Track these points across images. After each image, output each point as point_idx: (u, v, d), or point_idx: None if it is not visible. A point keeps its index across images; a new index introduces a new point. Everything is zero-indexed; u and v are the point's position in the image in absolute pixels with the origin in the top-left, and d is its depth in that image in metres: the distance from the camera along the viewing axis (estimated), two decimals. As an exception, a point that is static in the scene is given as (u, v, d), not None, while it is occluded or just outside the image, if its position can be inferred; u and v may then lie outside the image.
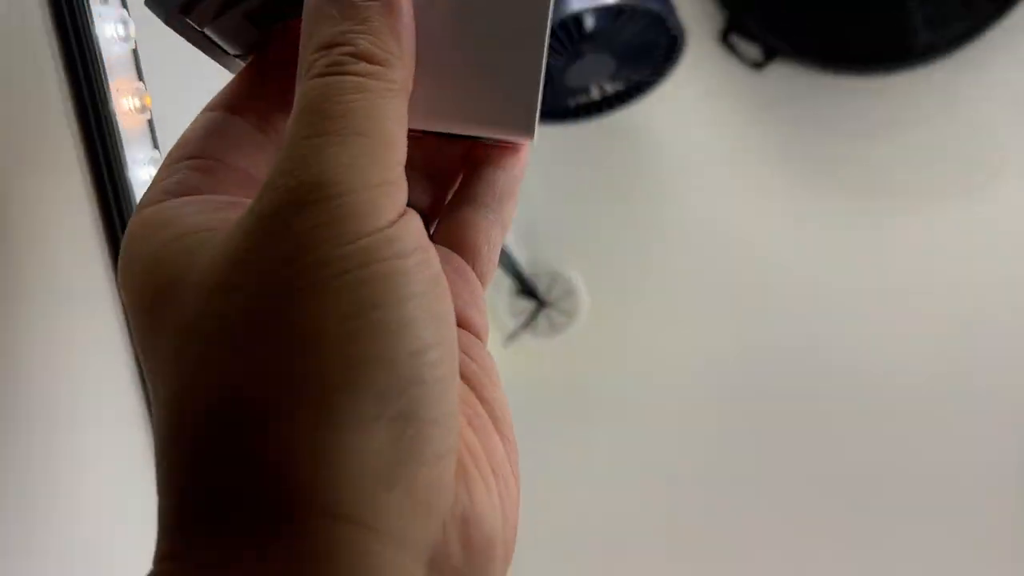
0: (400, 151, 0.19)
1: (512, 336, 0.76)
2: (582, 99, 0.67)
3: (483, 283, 0.24)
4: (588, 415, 0.79)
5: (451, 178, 0.25)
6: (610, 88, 0.67)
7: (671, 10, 0.61)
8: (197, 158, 0.21)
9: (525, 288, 0.78)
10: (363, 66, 0.19)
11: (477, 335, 0.23)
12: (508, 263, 0.76)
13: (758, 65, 0.71)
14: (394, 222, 0.18)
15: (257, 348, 0.18)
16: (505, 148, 0.25)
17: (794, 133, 0.74)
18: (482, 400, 0.22)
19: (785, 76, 0.72)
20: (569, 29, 0.59)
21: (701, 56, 0.71)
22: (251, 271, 0.18)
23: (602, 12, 0.58)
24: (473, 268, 0.24)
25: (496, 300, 0.79)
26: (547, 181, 0.76)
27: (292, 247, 0.18)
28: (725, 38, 0.71)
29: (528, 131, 0.22)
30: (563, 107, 0.67)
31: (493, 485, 0.20)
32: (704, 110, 0.73)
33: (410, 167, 0.24)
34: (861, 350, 0.76)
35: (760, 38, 0.69)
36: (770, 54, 0.70)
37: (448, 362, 0.19)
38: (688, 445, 0.78)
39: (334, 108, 0.19)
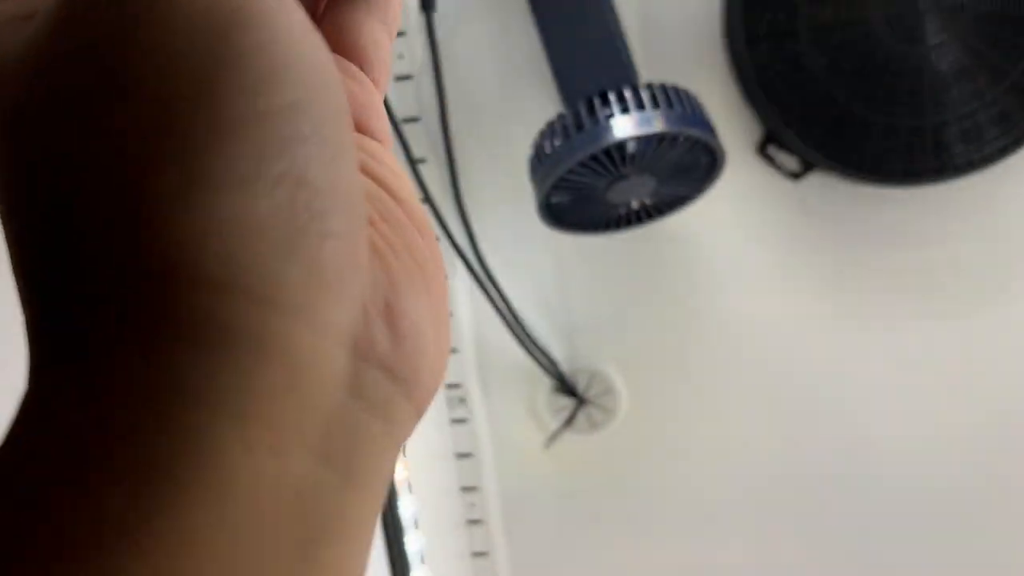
0: None
1: (553, 437, 0.77)
2: (622, 211, 0.69)
3: (379, 89, 0.22)
4: (627, 512, 0.80)
5: None
6: (650, 201, 0.69)
7: (713, 133, 0.63)
8: None
9: (564, 386, 0.79)
10: None
11: (381, 140, 0.22)
12: (547, 361, 0.77)
13: (796, 175, 0.73)
14: None
15: (100, 118, 0.15)
16: None
17: (831, 240, 0.75)
18: (397, 200, 0.20)
19: (822, 185, 0.73)
20: (612, 155, 0.61)
21: (739, 165, 0.73)
22: (70, 38, 0.15)
23: (646, 139, 0.60)
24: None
25: (535, 397, 0.80)
26: (586, 281, 0.78)
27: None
28: (763, 149, 0.72)
29: None
30: (603, 220, 0.69)
31: (417, 277, 0.19)
32: (742, 217, 0.75)
33: None
34: (899, 449, 0.76)
35: (797, 151, 0.70)
36: (807, 166, 0.72)
37: (335, 124, 0.17)
38: (729, 543, 0.79)
39: None
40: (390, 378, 0.17)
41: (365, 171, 0.20)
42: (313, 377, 0.16)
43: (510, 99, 0.74)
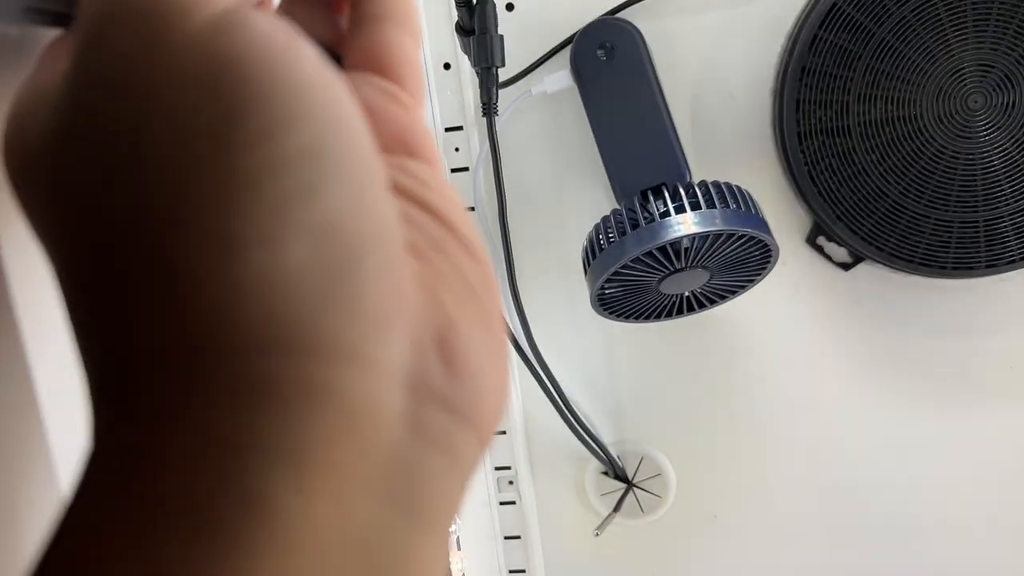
0: None
1: (603, 525, 0.77)
2: (674, 300, 0.70)
3: (418, 104, 0.22)
4: (675, 598, 0.80)
5: (344, 3, 0.23)
6: (702, 291, 0.69)
7: (767, 230, 0.64)
8: None
9: (613, 469, 0.79)
10: None
11: (427, 160, 0.21)
12: (596, 444, 0.78)
13: (846, 266, 0.73)
14: (229, 9, 0.16)
15: (120, 191, 0.15)
16: None
17: (882, 328, 0.75)
18: (447, 225, 0.19)
19: (873, 276, 0.74)
20: (667, 251, 0.62)
21: (789, 254, 0.73)
22: (74, 111, 0.16)
23: (699, 237, 0.61)
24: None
25: (584, 480, 0.80)
26: (635, 364, 0.79)
27: (118, 55, 0.15)
28: (813, 240, 0.73)
29: None
30: (655, 309, 0.70)
31: (471, 305, 0.18)
32: (792, 305, 0.75)
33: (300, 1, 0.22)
34: (949, 536, 0.75)
35: (848, 243, 0.71)
36: (858, 257, 0.73)
37: (356, 159, 0.16)
38: (776, 633, 0.78)
39: None
40: (450, 412, 0.17)
41: (410, 196, 0.19)
42: (368, 419, 0.15)
43: (563, 189, 0.76)
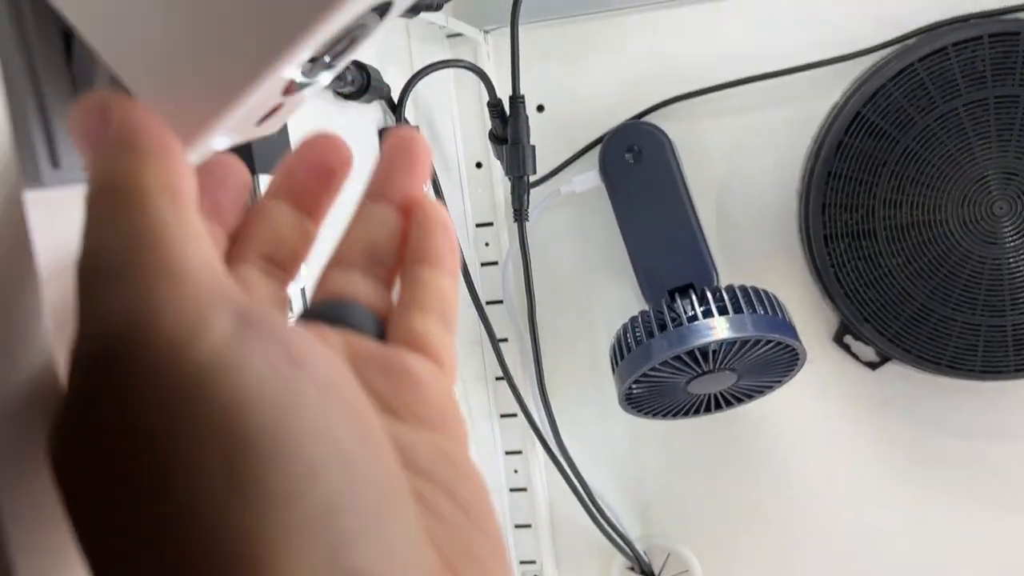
0: (191, 253, 0.17)
1: (628, 624, 0.76)
2: (702, 399, 0.70)
3: (450, 379, 0.23)
4: None
5: (392, 272, 0.25)
6: (729, 391, 0.70)
7: (795, 335, 0.64)
8: None
9: (639, 564, 0.79)
10: None
11: (454, 436, 0.21)
12: (622, 539, 0.77)
13: (873, 365, 0.74)
14: (228, 332, 0.16)
15: (139, 526, 0.15)
16: (440, 244, 0.25)
17: (908, 428, 0.75)
18: (461, 506, 0.19)
19: (899, 375, 0.74)
20: (695, 355, 0.63)
21: (816, 353, 0.74)
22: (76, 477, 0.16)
23: (727, 342, 0.62)
24: None
25: (610, 575, 0.80)
26: (661, 459, 0.78)
27: (111, 411, 0.16)
28: (840, 339, 0.74)
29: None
30: (682, 407, 0.70)
31: None
32: (818, 403, 0.75)
33: (350, 266, 0.23)
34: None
35: (875, 343, 0.71)
36: (885, 357, 0.73)
37: (374, 490, 0.16)
38: None
39: None
40: None
41: (428, 475, 0.19)
42: None
43: (591, 285, 0.77)
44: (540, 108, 0.75)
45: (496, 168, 0.75)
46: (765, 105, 0.72)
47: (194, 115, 0.24)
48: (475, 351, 0.77)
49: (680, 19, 0.71)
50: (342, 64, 0.28)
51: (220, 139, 0.25)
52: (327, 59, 0.27)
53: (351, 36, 0.27)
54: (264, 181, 0.37)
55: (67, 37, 0.26)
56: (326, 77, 0.28)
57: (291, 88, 0.26)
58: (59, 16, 0.24)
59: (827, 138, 0.69)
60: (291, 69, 0.24)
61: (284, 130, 0.37)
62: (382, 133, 0.57)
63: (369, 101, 0.54)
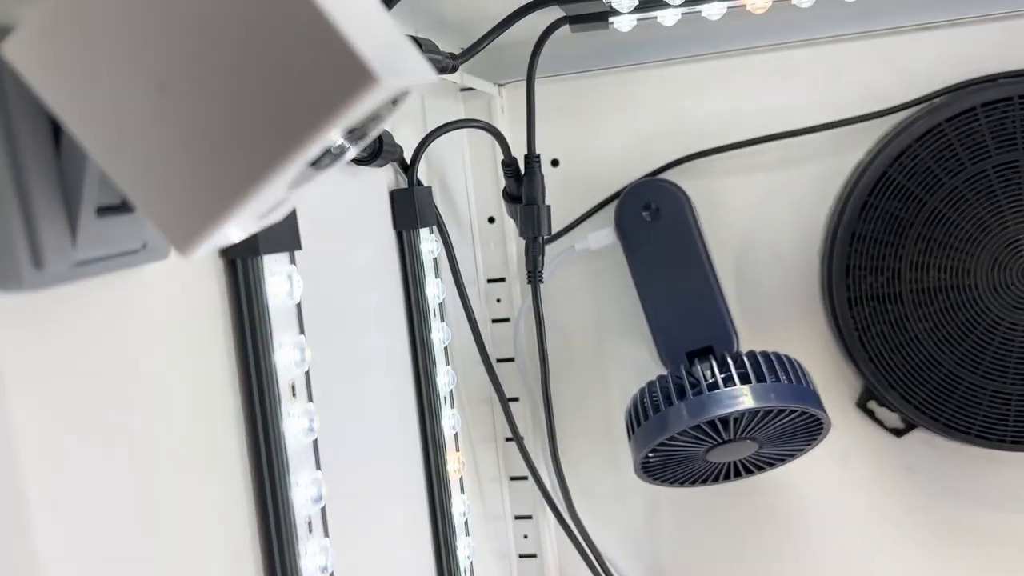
0: None
1: None
2: (721, 467, 0.67)
3: None
4: None
5: None
6: (748, 460, 0.67)
7: (819, 404, 0.62)
8: None
9: (652, 636, 0.76)
10: None
11: None
12: (635, 607, 0.74)
13: (898, 432, 0.71)
14: None
15: None
16: None
17: (934, 498, 0.72)
18: None
19: (925, 443, 0.71)
20: (715, 424, 0.60)
21: (839, 419, 0.71)
22: None
23: (750, 413, 0.59)
24: None
25: (622, 645, 0.76)
26: (676, 527, 0.76)
27: None
28: (864, 404, 0.71)
29: None
30: (701, 475, 0.68)
31: None
32: (841, 471, 0.73)
33: None
34: None
35: (900, 409, 0.69)
36: (910, 424, 0.70)
37: None
38: None
39: None
40: None
41: None
42: None
43: (604, 343, 0.74)
44: (555, 163, 0.73)
45: (509, 224, 0.73)
46: (786, 163, 0.70)
47: (191, 219, 0.22)
48: (484, 410, 0.75)
49: (699, 74, 0.70)
50: (351, 154, 0.26)
51: (232, 231, 0.23)
52: (336, 149, 0.25)
53: (364, 127, 0.25)
54: (269, 262, 0.35)
55: (56, 130, 0.24)
56: (340, 162, 0.26)
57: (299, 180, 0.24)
58: (47, 108, 0.22)
59: (851, 198, 0.66)
60: (289, 178, 0.22)
61: (292, 211, 0.35)
62: (393, 195, 0.55)
63: (382, 165, 0.52)
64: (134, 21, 0.21)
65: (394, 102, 0.25)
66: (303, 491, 0.36)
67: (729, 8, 0.56)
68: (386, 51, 0.22)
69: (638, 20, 0.57)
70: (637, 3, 0.53)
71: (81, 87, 0.21)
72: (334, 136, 0.22)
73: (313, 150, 0.22)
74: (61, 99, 0.21)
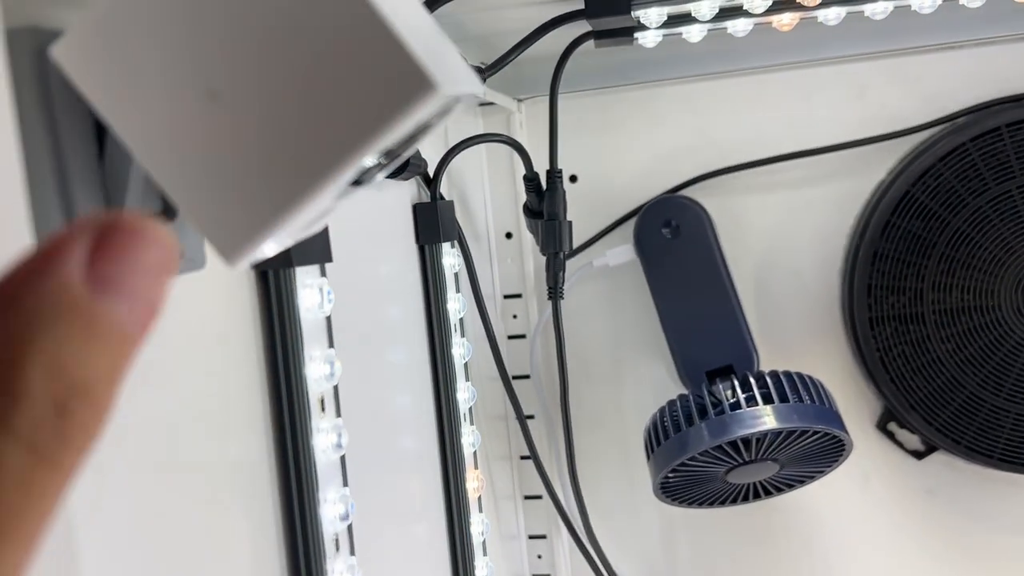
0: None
1: None
2: (740, 488, 0.67)
3: None
4: None
5: None
6: (768, 481, 0.66)
7: (841, 425, 0.61)
8: None
9: (667, 659, 0.74)
10: None
11: None
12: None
13: (919, 455, 0.70)
14: None
15: None
16: None
17: (955, 522, 0.71)
18: None
19: (947, 466, 0.70)
20: (737, 445, 0.59)
21: (859, 440, 0.70)
22: None
23: (772, 434, 0.59)
24: None
25: (636, 668, 0.75)
26: (695, 549, 0.75)
27: None
28: (884, 426, 0.70)
29: None
30: (720, 496, 0.67)
31: None
32: (861, 493, 0.72)
33: None
34: None
35: (921, 432, 0.68)
36: (931, 447, 0.69)
37: None
38: None
39: None
40: None
41: None
42: None
43: (622, 361, 0.74)
44: (573, 178, 0.72)
45: (527, 239, 0.72)
46: (807, 182, 0.69)
47: (241, 229, 0.21)
48: (500, 427, 0.74)
49: (721, 91, 0.69)
50: (399, 162, 0.25)
51: (269, 246, 0.23)
52: (384, 159, 0.25)
53: (414, 136, 0.24)
54: (301, 274, 0.35)
55: (100, 135, 0.23)
56: (383, 174, 0.25)
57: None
58: (93, 112, 0.21)
59: (873, 217, 0.66)
60: (340, 188, 0.22)
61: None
62: (416, 208, 0.55)
63: (407, 179, 0.52)
64: (186, 25, 0.20)
65: (441, 113, 0.25)
66: (331, 508, 0.35)
67: (756, 24, 0.56)
68: (440, 59, 0.21)
69: (664, 36, 0.57)
70: (666, 18, 0.53)
71: (130, 92, 0.21)
72: (389, 142, 0.21)
73: (367, 160, 0.21)
74: (109, 103, 0.21)
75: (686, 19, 0.54)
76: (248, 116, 0.20)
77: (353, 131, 0.20)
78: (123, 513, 0.26)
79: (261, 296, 0.33)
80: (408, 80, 0.20)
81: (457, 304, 0.58)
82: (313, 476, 0.33)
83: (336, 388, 0.37)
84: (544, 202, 0.59)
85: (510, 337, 0.74)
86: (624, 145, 0.71)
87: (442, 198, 0.57)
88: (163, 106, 0.21)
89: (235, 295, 0.33)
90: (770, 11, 0.53)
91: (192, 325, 0.30)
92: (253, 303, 0.33)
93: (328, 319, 0.37)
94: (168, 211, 0.26)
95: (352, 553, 0.37)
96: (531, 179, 0.60)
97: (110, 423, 0.15)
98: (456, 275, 0.59)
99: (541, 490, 0.71)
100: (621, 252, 0.70)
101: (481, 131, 0.70)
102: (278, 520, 0.33)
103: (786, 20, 0.56)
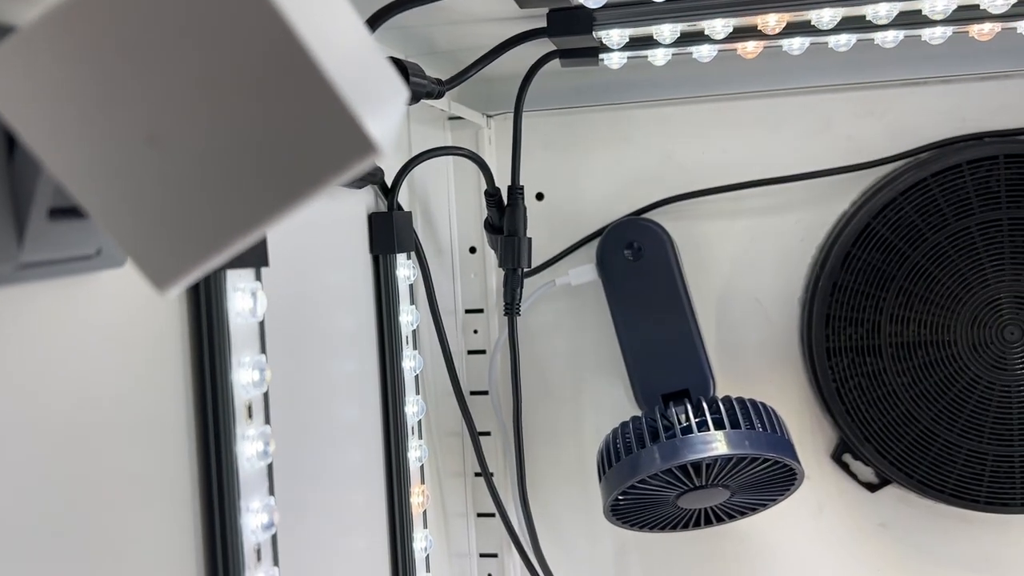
0: None
1: None
2: (691, 513, 0.66)
3: None
4: None
5: None
6: (720, 507, 0.66)
7: (794, 454, 0.61)
8: None
9: None
10: None
11: None
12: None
13: (872, 487, 0.70)
14: None
15: None
16: None
17: (908, 556, 0.71)
18: None
19: (899, 499, 0.70)
20: (688, 471, 0.59)
21: (813, 470, 0.70)
22: None
23: (723, 460, 0.59)
24: None
25: None
26: (646, 572, 0.74)
27: None
28: (838, 457, 0.70)
29: None
30: (671, 521, 0.66)
31: None
32: (813, 522, 0.71)
33: None
34: None
35: (875, 464, 0.68)
36: (885, 480, 0.69)
37: None
38: None
39: None
40: None
41: None
42: None
43: (581, 381, 0.73)
44: (539, 196, 0.72)
45: (490, 254, 0.72)
46: (771, 210, 0.70)
47: (173, 261, 0.21)
48: (455, 444, 0.74)
49: (689, 116, 0.70)
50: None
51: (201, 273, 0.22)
52: None
53: None
54: (233, 277, 0.34)
55: (10, 140, 0.23)
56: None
57: None
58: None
59: (834, 248, 0.66)
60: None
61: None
62: (371, 218, 0.55)
63: (360, 187, 0.51)
64: (129, 65, 0.20)
65: None
66: (254, 517, 0.34)
67: (720, 51, 0.56)
68: (373, 97, 0.21)
69: (628, 58, 0.57)
70: (628, 40, 0.53)
71: (58, 121, 0.20)
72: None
73: (304, 208, 0.21)
74: (29, 124, 0.20)
75: (649, 42, 0.54)
76: (186, 163, 0.20)
77: (290, 183, 0.20)
78: (31, 521, 0.25)
79: (189, 298, 0.33)
80: (350, 142, 0.20)
81: (410, 316, 0.58)
82: (235, 484, 0.33)
83: (266, 395, 0.36)
84: (505, 218, 0.59)
85: (470, 352, 0.74)
86: (592, 165, 0.71)
87: (400, 208, 0.57)
88: (97, 142, 0.20)
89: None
90: (732, 37, 0.53)
91: (113, 323, 0.29)
92: (181, 304, 0.33)
93: (261, 324, 0.36)
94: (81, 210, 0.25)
95: (276, 564, 0.36)
96: (492, 194, 0.59)
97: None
98: (412, 287, 0.59)
99: (494, 508, 0.70)
100: (584, 271, 0.70)
101: (449, 144, 0.70)
102: (197, 527, 0.33)
103: (750, 48, 0.56)
